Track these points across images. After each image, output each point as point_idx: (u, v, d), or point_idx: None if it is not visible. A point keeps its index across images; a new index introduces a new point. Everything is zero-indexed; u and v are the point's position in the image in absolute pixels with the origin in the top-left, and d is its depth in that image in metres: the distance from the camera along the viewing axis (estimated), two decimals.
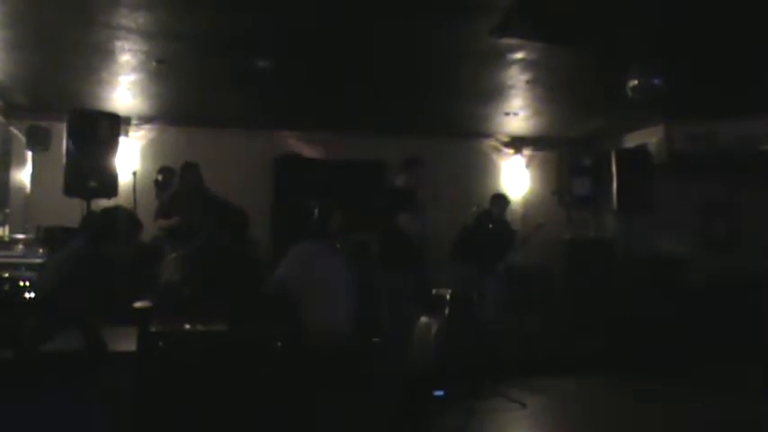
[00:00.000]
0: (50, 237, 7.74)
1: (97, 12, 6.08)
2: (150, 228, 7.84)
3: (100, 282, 4.81)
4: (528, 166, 11.73)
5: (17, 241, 7.78)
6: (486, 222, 8.68)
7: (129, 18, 6.21)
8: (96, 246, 4.99)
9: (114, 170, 7.72)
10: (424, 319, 7.37)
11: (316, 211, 5.89)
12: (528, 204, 11.38)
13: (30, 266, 6.76)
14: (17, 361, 3.97)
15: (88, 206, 7.56)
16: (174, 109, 9.86)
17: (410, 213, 7.26)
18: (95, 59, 7.39)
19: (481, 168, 11.53)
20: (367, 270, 6.36)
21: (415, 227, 7.27)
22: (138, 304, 4.79)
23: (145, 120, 10.18)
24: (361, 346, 5.38)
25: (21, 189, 9.57)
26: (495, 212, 9.30)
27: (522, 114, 9.94)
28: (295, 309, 4.98)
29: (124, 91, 8.65)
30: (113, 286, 4.97)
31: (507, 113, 9.88)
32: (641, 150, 9.96)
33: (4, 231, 8.36)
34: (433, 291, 7.67)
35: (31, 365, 3.99)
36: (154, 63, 7.49)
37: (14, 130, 9.35)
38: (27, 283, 5.86)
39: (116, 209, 5.47)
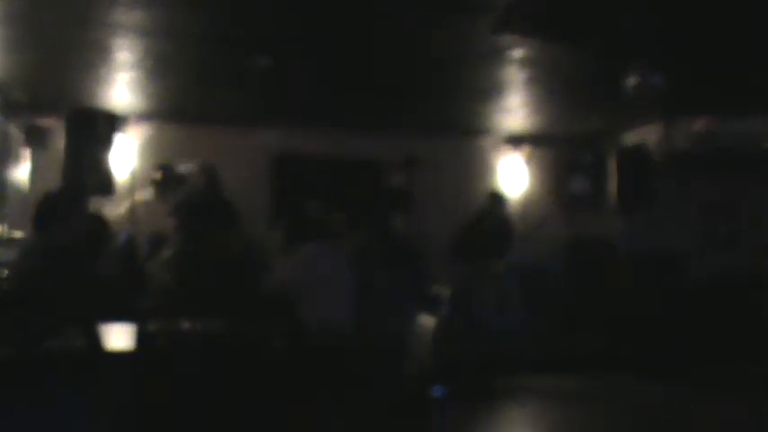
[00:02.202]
0: None
1: (95, 9, 6.07)
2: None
3: (64, 270, 4.74)
4: (526, 164, 11.72)
5: (16, 239, 7.76)
6: (486, 220, 8.69)
7: (126, 15, 6.19)
8: (46, 235, 4.88)
9: (112, 168, 7.71)
10: (422, 318, 7.37)
11: (315, 210, 5.89)
12: (526, 202, 11.37)
13: None
14: (16, 360, 3.95)
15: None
16: (173, 107, 9.83)
17: (406, 213, 7.27)
18: (93, 57, 7.37)
19: (479, 166, 11.51)
20: (367, 270, 6.36)
21: (410, 226, 7.28)
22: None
23: (143, 117, 10.14)
24: (361, 345, 5.38)
25: (19, 187, 9.54)
26: (495, 210, 9.30)
27: (520, 112, 9.92)
28: (295, 308, 4.98)
29: (122, 89, 8.62)
30: (80, 270, 4.90)
31: (506, 111, 9.87)
32: (640, 148, 9.96)
33: (2, 230, 8.33)
34: (432, 290, 7.66)
35: (30, 365, 3.98)
36: (152, 60, 7.47)
37: (13, 128, 9.32)
38: None
39: (50, 194, 5.24)
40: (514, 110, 9.76)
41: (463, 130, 11.10)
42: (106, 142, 7.64)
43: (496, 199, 9.65)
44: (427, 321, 7.30)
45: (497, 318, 8.27)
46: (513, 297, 8.87)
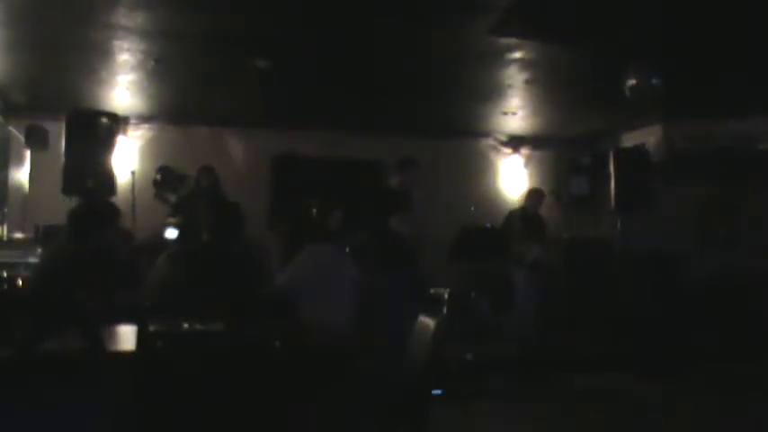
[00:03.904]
0: (49, 236, 7.73)
1: (96, 11, 6.08)
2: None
3: (86, 274, 4.79)
4: (526, 165, 11.74)
5: (15, 240, 7.77)
6: (517, 218, 8.79)
7: (127, 17, 6.20)
8: (78, 239, 4.96)
9: (112, 170, 7.70)
10: (422, 318, 7.37)
11: (314, 210, 5.89)
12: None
13: (28, 266, 6.76)
14: (16, 360, 3.96)
15: None
16: (173, 108, 9.85)
17: (404, 214, 7.27)
18: (94, 59, 7.38)
19: (479, 168, 11.54)
20: (366, 270, 6.36)
21: (408, 227, 7.28)
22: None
23: (143, 119, 10.17)
24: (362, 346, 5.37)
25: (19, 188, 9.56)
26: (531, 208, 9.39)
27: (520, 114, 9.94)
28: (295, 309, 4.98)
29: (123, 90, 8.64)
30: (100, 277, 4.95)
31: (505, 113, 9.88)
32: (640, 149, 9.96)
33: (2, 231, 8.34)
34: (432, 290, 7.67)
35: (29, 365, 3.98)
36: (152, 62, 7.48)
37: (13, 130, 9.34)
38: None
39: (93, 199, 5.44)
40: (514, 111, 9.77)
41: (463, 132, 11.12)
42: (107, 144, 7.63)
43: (534, 195, 9.71)
44: (427, 322, 7.30)
45: (497, 317, 8.29)
46: (530, 294, 8.90)
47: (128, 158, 9.69)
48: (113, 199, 7.00)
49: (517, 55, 7.19)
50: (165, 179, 8.93)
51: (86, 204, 5.33)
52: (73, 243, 4.99)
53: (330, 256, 5.65)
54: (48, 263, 5.06)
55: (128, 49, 7.07)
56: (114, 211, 5.45)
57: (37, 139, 9.08)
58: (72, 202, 7.65)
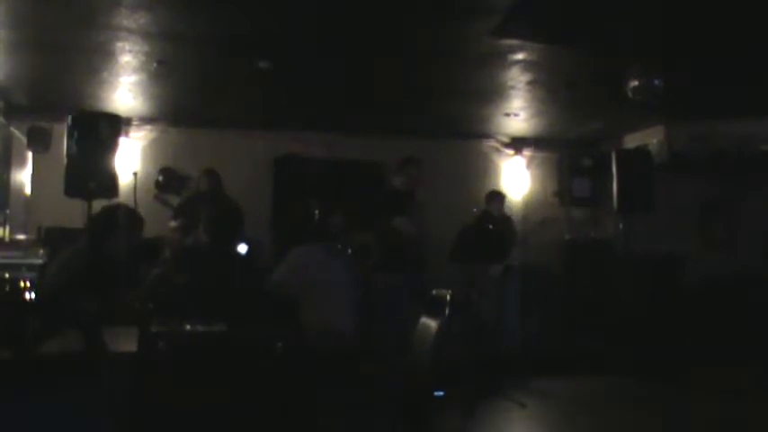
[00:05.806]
0: (51, 237, 7.75)
1: (98, 13, 6.09)
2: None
3: (102, 281, 4.82)
4: (528, 166, 11.73)
5: (17, 242, 7.78)
6: (487, 221, 8.72)
7: (129, 19, 6.21)
8: (99, 245, 4.99)
9: (115, 171, 7.70)
10: (423, 319, 7.38)
11: (315, 211, 5.90)
12: (528, 205, 11.38)
13: (30, 267, 6.76)
14: (17, 361, 3.97)
15: (89, 207, 7.56)
16: (175, 110, 9.86)
17: (407, 214, 7.27)
18: (96, 60, 7.40)
19: (482, 169, 11.53)
20: (367, 270, 6.37)
21: (411, 228, 7.28)
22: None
23: (145, 120, 10.19)
24: (362, 346, 5.39)
25: (21, 190, 9.57)
26: (494, 210, 9.34)
27: (522, 115, 9.93)
28: (295, 310, 5.00)
29: (125, 92, 8.65)
30: (116, 285, 4.97)
31: (507, 114, 9.87)
32: (641, 151, 9.95)
33: (4, 232, 8.35)
34: (433, 291, 7.66)
35: (30, 366, 4.00)
36: (154, 64, 7.49)
37: (15, 131, 9.35)
38: (27, 284, 5.87)
39: (117, 207, 5.47)
40: (516, 112, 9.76)
41: (465, 133, 11.12)
42: (109, 145, 7.63)
43: (493, 197, 9.70)
44: (428, 322, 7.31)
45: (498, 319, 8.29)
46: (513, 298, 8.91)
47: (130, 160, 9.70)
48: (114, 201, 7.01)
49: (519, 56, 7.19)
50: (167, 181, 8.94)
51: (113, 211, 5.33)
52: (94, 250, 5.00)
53: (331, 256, 5.67)
54: (67, 265, 5.06)
55: (130, 51, 7.09)
56: (140, 222, 5.46)
57: (39, 141, 9.09)
58: (76, 204, 7.70)
